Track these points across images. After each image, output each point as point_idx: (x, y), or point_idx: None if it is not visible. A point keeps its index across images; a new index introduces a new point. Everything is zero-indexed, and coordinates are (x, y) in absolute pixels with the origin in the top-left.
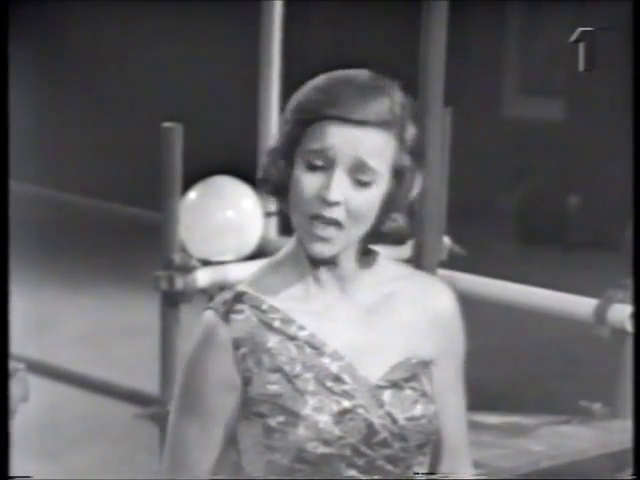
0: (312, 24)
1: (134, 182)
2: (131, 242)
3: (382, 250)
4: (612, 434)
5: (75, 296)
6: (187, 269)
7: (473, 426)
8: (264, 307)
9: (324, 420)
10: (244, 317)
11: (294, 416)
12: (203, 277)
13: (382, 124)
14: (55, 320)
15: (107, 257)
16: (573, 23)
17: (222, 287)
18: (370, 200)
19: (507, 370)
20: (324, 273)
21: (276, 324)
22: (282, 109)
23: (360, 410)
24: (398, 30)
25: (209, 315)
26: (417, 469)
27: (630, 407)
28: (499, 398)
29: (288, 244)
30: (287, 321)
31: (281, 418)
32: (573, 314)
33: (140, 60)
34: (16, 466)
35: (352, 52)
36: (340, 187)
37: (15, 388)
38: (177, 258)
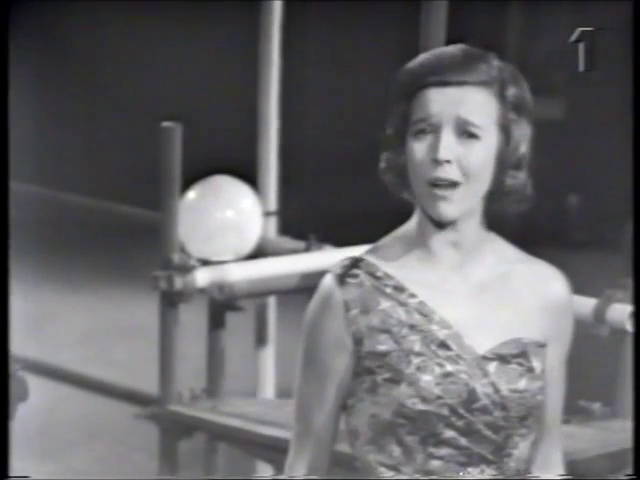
0: (312, 24)
1: (133, 182)
2: (130, 242)
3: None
4: (612, 434)
5: (74, 296)
6: (186, 269)
7: None
8: (379, 274)
9: (425, 379)
10: (358, 281)
11: (398, 373)
12: (202, 277)
13: (480, 83)
14: (54, 320)
15: (106, 257)
16: (573, 23)
17: (221, 287)
18: (481, 156)
19: None
20: (444, 246)
21: (388, 290)
22: (282, 109)
23: (463, 375)
24: (398, 30)
25: (327, 278)
26: (518, 440)
27: (630, 407)
28: None
29: (407, 222)
30: (399, 288)
31: (387, 375)
32: (572, 313)
33: (140, 60)
34: (16, 466)
35: (352, 52)
36: (448, 146)
37: (14, 388)
38: (176, 258)
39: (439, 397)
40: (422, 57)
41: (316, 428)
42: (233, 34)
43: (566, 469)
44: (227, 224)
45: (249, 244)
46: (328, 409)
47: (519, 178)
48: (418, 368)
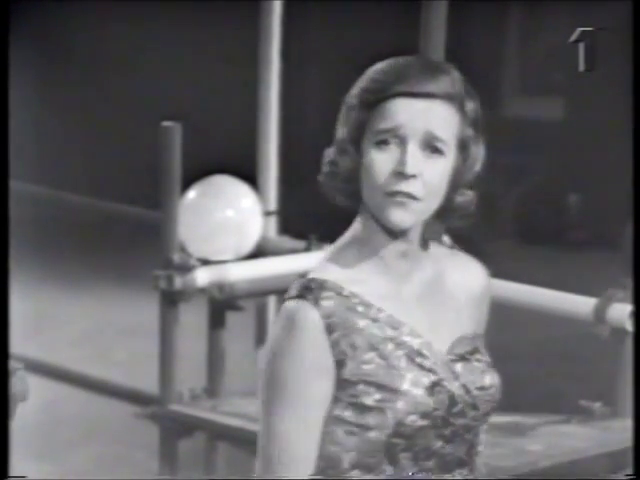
0: (312, 24)
1: (133, 181)
2: (130, 241)
3: None
4: (612, 433)
5: (74, 295)
6: (186, 268)
7: None
8: (345, 293)
9: (420, 394)
10: (333, 303)
11: (392, 392)
12: (202, 276)
13: (446, 97)
14: (54, 319)
15: (106, 256)
16: (573, 23)
17: (221, 287)
18: (441, 172)
19: (506, 369)
20: (395, 256)
21: (359, 308)
22: (282, 109)
23: (445, 382)
24: (398, 30)
25: (295, 304)
26: (481, 435)
27: (630, 407)
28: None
29: (350, 231)
30: (367, 305)
31: (377, 396)
32: (573, 313)
33: (140, 59)
34: (15, 466)
35: (352, 52)
36: (415, 160)
37: (14, 387)
38: (176, 257)
39: (434, 409)
40: (385, 65)
41: (299, 462)
42: (233, 34)
43: (566, 469)
44: (227, 224)
45: (249, 244)
46: (312, 438)
47: (468, 195)
48: (412, 383)
